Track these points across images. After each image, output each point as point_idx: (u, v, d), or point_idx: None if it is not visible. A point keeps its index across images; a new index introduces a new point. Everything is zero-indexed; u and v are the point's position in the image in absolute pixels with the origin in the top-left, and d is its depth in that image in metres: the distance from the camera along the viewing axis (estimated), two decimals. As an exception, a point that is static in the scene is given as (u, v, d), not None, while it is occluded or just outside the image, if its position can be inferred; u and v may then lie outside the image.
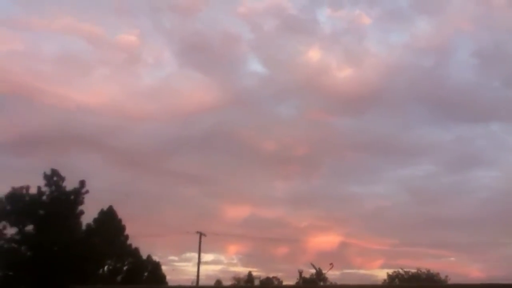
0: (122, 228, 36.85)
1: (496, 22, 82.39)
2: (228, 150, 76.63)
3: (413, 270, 46.05)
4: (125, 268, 36.64)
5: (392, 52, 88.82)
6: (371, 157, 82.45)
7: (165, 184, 73.47)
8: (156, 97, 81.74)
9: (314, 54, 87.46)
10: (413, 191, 74.52)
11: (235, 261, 65.33)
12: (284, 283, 53.63)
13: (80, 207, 34.72)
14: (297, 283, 45.35)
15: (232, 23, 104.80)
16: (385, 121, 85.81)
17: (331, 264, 43.29)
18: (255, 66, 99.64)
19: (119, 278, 35.74)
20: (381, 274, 55.22)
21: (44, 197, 33.77)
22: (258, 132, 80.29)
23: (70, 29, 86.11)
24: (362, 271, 61.40)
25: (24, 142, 68.84)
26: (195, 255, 45.10)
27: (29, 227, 32.87)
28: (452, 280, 43.33)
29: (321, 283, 44.06)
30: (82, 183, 34.63)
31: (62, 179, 34.46)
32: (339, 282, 45.48)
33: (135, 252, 37.48)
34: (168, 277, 41.67)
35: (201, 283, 43.49)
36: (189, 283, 43.56)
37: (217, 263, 64.28)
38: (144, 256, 38.64)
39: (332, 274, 46.12)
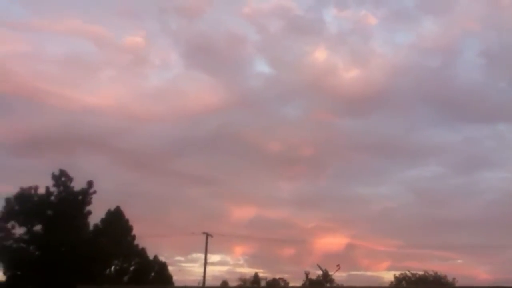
0: (129, 229, 36.96)
1: (504, 22, 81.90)
2: (234, 151, 76.73)
3: (420, 272, 45.89)
4: (132, 268, 36.75)
5: (398, 52, 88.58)
6: (377, 158, 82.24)
7: (171, 185, 73.69)
8: (163, 98, 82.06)
9: (320, 55, 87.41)
10: (420, 192, 74.20)
11: (241, 262, 65.40)
12: (291, 284, 53.58)
13: (88, 207, 34.93)
14: (303, 284, 45.27)
15: (237, 24, 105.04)
16: (391, 122, 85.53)
17: (337, 265, 43.23)
18: (261, 67, 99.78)
19: (126, 278, 35.86)
20: (388, 276, 54.84)
21: (52, 198, 34.00)
22: (264, 133, 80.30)
23: (76, 31, 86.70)
24: (368, 273, 61.19)
25: (31, 143, 69.35)
26: (202, 255, 45.14)
27: (38, 227, 33.13)
28: (459, 283, 43.01)
29: (328, 285, 43.97)
30: (90, 184, 34.82)
31: (70, 179, 34.68)
32: (345, 284, 45.45)
33: (142, 253, 37.58)
34: (174, 278, 41.80)
35: (207, 283, 43.50)
36: (195, 284, 43.63)
37: (223, 264, 64.36)
38: (151, 257, 38.74)
39: (338, 276, 46.04)
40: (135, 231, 37.39)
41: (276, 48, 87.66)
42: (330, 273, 45.25)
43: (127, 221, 36.97)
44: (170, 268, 41.72)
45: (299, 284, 47.08)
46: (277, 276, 56.68)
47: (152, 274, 38.54)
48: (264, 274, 55.56)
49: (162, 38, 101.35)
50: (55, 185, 34.21)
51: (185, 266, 58.55)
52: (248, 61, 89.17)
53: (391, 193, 77.33)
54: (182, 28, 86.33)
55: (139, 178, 72.01)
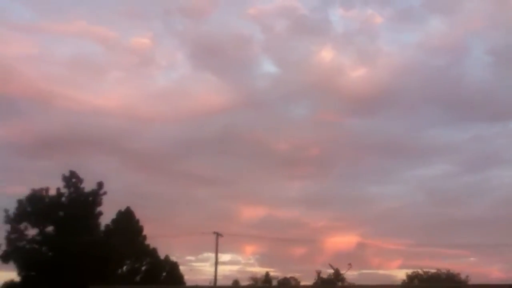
0: (140, 229, 37.04)
1: (511, 19, 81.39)
2: (241, 152, 76.74)
3: (433, 271, 45.57)
4: (143, 268, 36.84)
5: (405, 51, 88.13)
6: (386, 157, 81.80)
7: (180, 186, 73.84)
8: (169, 99, 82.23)
9: (326, 55, 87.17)
10: (429, 191, 73.77)
11: (252, 262, 65.35)
12: (302, 283, 53.38)
13: (99, 208, 35.10)
14: (315, 283, 45.10)
15: (243, 25, 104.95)
16: (399, 121, 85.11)
17: (349, 264, 42.99)
18: (267, 67, 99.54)
19: (137, 278, 35.95)
20: (400, 275, 54.50)
21: (63, 199, 34.25)
22: (271, 133, 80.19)
23: (83, 33, 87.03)
24: (380, 272, 60.85)
25: (41, 145, 69.82)
26: (212, 255, 45.07)
27: (49, 228, 33.28)
28: (472, 281, 42.60)
29: (339, 284, 43.75)
30: (100, 185, 34.98)
31: (80, 181, 34.90)
32: (357, 283, 45.18)
33: (153, 253, 37.63)
34: (185, 277, 41.79)
35: (218, 283, 43.42)
36: (206, 283, 43.56)
37: (234, 263, 64.33)
38: (162, 257, 38.79)
39: (350, 275, 45.78)
40: (145, 231, 37.53)
41: (282, 48, 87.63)
42: (341, 272, 45.05)
43: (137, 221, 37.06)
44: (181, 267, 41.78)
45: (310, 283, 46.96)
46: (288, 275, 56.64)
47: (164, 274, 38.58)
48: (274, 273, 55.49)
49: (168, 39, 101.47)
50: (66, 186, 34.48)
51: (196, 265, 58.60)
52: (254, 61, 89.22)
53: (400, 192, 77.07)
54: (188, 29, 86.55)
55: (147, 178, 72.28)
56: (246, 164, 76.67)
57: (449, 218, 64.80)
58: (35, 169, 62.21)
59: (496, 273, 57.41)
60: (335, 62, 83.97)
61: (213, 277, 43.52)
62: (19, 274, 32.67)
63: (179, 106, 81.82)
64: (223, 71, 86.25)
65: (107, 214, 35.65)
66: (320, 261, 60.29)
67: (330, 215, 74.81)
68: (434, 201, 73.26)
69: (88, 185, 34.90)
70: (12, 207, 32.76)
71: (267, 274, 54.05)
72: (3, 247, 31.91)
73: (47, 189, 34.20)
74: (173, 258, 40.49)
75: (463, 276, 44.70)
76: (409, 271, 47.18)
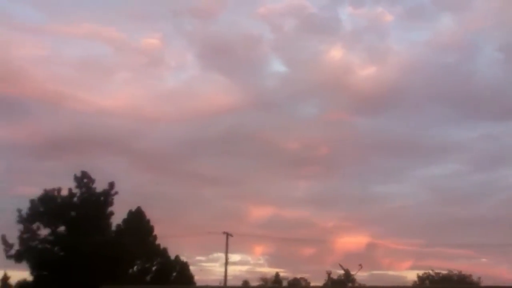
0: (151, 229, 37.18)
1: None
2: (250, 151, 76.80)
3: (444, 272, 45.31)
4: (154, 268, 37.00)
5: (415, 49, 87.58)
6: (396, 156, 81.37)
7: (190, 186, 74.15)
8: (179, 99, 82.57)
9: (335, 53, 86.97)
10: (439, 190, 73.25)
11: (261, 262, 65.41)
12: (312, 284, 53.35)
13: (110, 208, 35.23)
14: (325, 284, 45.03)
15: (252, 24, 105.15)
16: (409, 120, 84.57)
17: (360, 265, 42.72)
18: (276, 66, 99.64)
19: (148, 278, 36.12)
20: (411, 275, 54.24)
21: (75, 199, 34.41)
22: (280, 132, 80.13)
23: (92, 34, 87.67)
24: (390, 272, 60.58)
25: (51, 146, 70.53)
26: (222, 255, 45.28)
27: (61, 228, 33.52)
28: (484, 282, 42.31)
29: (350, 285, 43.60)
30: (111, 185, 35.12)
31: (92, 181, 35.03)
32: (367, 284, 45.07)
33: (163, 253, 37.80)
34: (196, 277, 41.96)
35: (228, 283, 43.57)
36: (216, 283, 43.80)
37: (244, 263, 64.45)
38: (172, 257, 38.95)
39: (360, 275, 45.65)
40: (156, 231, 37.67)
41: (291, 47, 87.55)
42: (352, 272, 44.88)
43: (148, 221, 37.20)
44: (191, 267, 41.97)
45: (320, 283, 46.88)
46: (298, 276, 56.57)
47: (174, 274, 38.73)
48: (284, 273, 55.48)
49: (177, 40, 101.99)
50: (78, 186, 34.63)
51: (206, 265, 58.87)
52: (264, 61, 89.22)
53: (410, 192, 76.61)
54: (197, 30, 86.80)
55: (157, 179, 72.65)
56: (255, 164, 76.77)
57: (459, 217, 64.36)
58: (46, 169, 62.95)
59: (509, 275, 56.89)
60: (344, 61, 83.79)
61: (223, 277, 43.74)
62: (31, 273, 32.97)
63: (188, 106, 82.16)
64: (232, 71, 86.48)
65: (118, 214, 35.89)
66: (330, 262, 60.25)
67: (339, 215, 74.67)
68: (444, 201, 72.81)
69: (99, 186, 35.11)
70: (25, 207, 33.05)
71: (277, 274, 54.13)
72: (16, 247, 32.19)
73: (59, 190, 34.37)
74: (183, 258, 40.70)
75: (475, 278, 44.42)
76: (420, 272, 47.00)
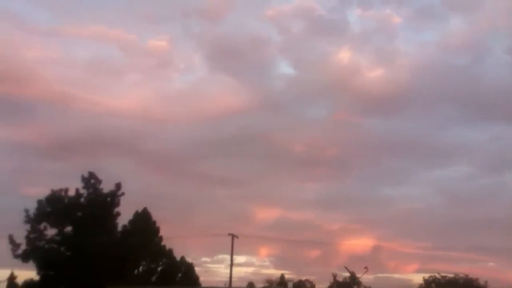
0: (157, 230, 37.34)
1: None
2: (258, 153, 76.83)
3: (450, 275, 45.01)
4: (159, 268, 37.21)
5: (424, 51, 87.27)
6: (403, 158, 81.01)
7: (196, 187, 74.27)
8: (187, 101, 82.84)
9: (344, 55, 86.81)
10: (447, 193, 72.80)
11: (267, 264, 65.39)
12: (317, 286, 53.33)
13: (116, 209, 35.38)
14: (330, 286, 44.98)
15: (260, 26, 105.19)
16: (417, 122, 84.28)
17: (365, 267, 42.60)
18: (284, 68, 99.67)
19: (153, 278, 36.31)
20: (417, 279, 53.86)
21: (82, 199, 34.58)
22: (288, 134, 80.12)
23: (101, 36, 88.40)
24: (396, 275, 60.30)
25: (60, 147, 71.04)
26: (227, 256, 45.22)
27: (68, 228, 33.72)
28: (491, 286, 42.02)
29: (355, 287, 43.49)
30: (118, 186, 35.28)
31: (99, 181, 35.19)
32: (373, 287, 44.97)
33: (169, 253, 37.98)
34: (201, 279, 42.13)
35: (233, 285, 43.51)
36: (222, 285, 43.84)
37: (249, 265, 64.44)
38: (178, 258, 39.12)
39: (365, 278, 45.47)
40: (162, 232, 37.84)
41: (299, 49, 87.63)
42: (357, 275, 44.76)
43: (154, 222, 37.37)
44: (196, 269, 42.17)
45: (325, 286, 46.89)
46: (303, 278, 56.52)
47: (179, 274, 38.93)
48: (289, 275, 55.42)
49: (185, 42, 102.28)
50: (85, 187, 34.80)
51: (211, 267, 58.92)
52: (271, 62, 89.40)
53: (417, 194, 76.18)
54: (205, 31, 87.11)
55: (164, 180, 72.99)
56: (262, 165, 76.80)
57: (467, 221, 63.86)
58: (54, 170, 63.41)
59: (515, 279, 56.37)
60: (352, 63, 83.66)
61: (228, 279, 43.70)
62: (38, 273, 33.18)
63: (196, 108, 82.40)
64: (240, 72, 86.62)
65: (124, 215, 36.06)
66: (336, 264, 59.96)
67: (346, 217, 74.42)
68: (452, 203, 72.33)
69: (106, 186, 35.25)
70: (32, 207, 33.24)
71: (282, 276, 54.09)
72: (23, 247, 32.38)
73: (66, 190, 34.55)
74: (189, 259, 40.91)
75: (482, 281, 44.10)
76: (426, 275, 46.72)
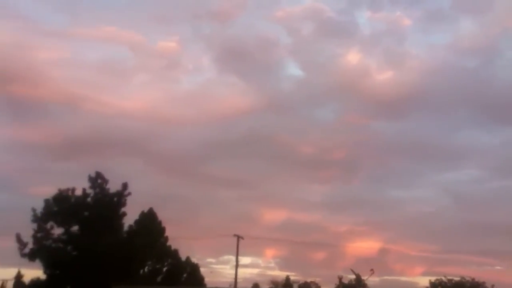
0: (162, 230, 37.46)
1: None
2: (265, 154, 76.88)
3: (457, 278, 44.73)
4: (165, 269, 37.32)
5: (434, 53, 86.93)
6: (412, 161, 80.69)
7: (203, 188, 74.50)
8: (195, 102, 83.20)
9: (353, 57, 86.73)
10: (456, 196, 72.39)
11: (272, 265, 65.38)
12: (322, 288, 53.14)
13: (123, 209, 35.50)
14: (335, 288, 44.86)
15: (269, 28, 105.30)
16: (427, 125, 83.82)
17: (371, 270, 42.47)
18: (293, 70, 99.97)
19: (159, 278, 36.42)
20: (423, 282, 53.55)
21: (89, 199, 34.73)
22: (296, 136, 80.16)
23: (111, 37, 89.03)
24: (402, 278, 60.04)
25: (68, 147, 71.57)
26: (233, 257, 45.30)
27: (75, 228, 33.92)
28: (499, 290, 41.63)
29: (361, 289, 43.33)
30: (125, 186, 35.41)
31: (105, 181, 35.33)
32: (379, 289, 44.72)
33: (174, 254, 38.09)
34: (206, 279, 42.20)
35: (238, 286, 43.59)
36: (227, 286, 43.89)
37: (254, 266, 64.54)
38: (183, 258, 39.24)
39: (371, 281, 45.28)
40: (167, 233, 37.96)
41: (308, 51, 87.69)
42: (363, 277, 44.58)
43: (160, 222, 37.49)
44: (201, 269, 42.28)
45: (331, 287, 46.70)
46: (308, 280, 56.43)
47: (184, 275, 39.03)
48: (295, 277, 55.35)
49: (194, 43, 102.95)
50: (92, 187, 34.94)
51: (216, 267, 59.03)
52: (280, 64, 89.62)
53: (426, 197, 75.83)
54: (214, 33, 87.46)
55: (171, 180, 73.31)
56: (270, 167, 76.84)
57: (476, 224, 63.39)
58: (63, 170, 63.89)
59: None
60: (361, 65, 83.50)
61: (233, 280, 43.74)
62: (44, 272, 33.36)
63: (205, 109, 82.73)
64: (248, 74, 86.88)
65: (130, 215, 36.20)
66: (342, 266, 59.93)
67: (353, 220, 74.30)
68: (461, 207, 71.90)
69: (113, 186, 35.40)
70: (39, 206, 33.43)
71: (287, 278, 54.04)
72: (30, 246, 32.55)
73: (73, 189, 34.69)
74: (194, 260, 41.02)
75: (488, 285, 43.80)
76: (433, 278, 46.47)
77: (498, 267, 60.48)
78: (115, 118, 77.57)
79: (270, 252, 63.47)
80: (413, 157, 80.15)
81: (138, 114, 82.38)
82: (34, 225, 33.04)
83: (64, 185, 34.72)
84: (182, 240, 39.67)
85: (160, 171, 76.36)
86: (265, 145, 77.46)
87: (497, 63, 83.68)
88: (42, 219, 33.25)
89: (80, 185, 34.84)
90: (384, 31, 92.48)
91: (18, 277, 44.70)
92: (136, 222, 36.36)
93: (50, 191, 34.95)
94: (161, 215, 37.78)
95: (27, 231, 32.67)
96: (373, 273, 44.12)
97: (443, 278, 45.35)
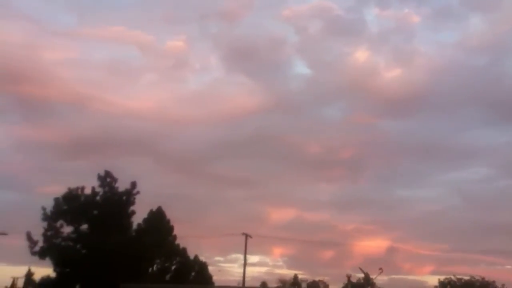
0: (171, 229, 37.61)
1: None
2: (273, 153, 76.96)
3: (466, 277, 44.43)
4: (173, 267, 37.44)
5: (442, 51, 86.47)
6: (420, 160, 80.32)
7: (211, 187, 74.81)
8: (203, 101, 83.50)
9: (361, 55, 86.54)
10: (465, 195, 72.02)
11: (280, 264, 65.49)
12: (331, 287, 53.11)
13: (131, 208, 35.67)
14: (344, 287, 44.78)
15: (277, 27, 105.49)
16: (435, 123, 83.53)
17: (380, 269, 42.37)
18: (301, 68, 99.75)
19: (167, 277, 36.54)
20: (432, 281, 53.62)
21: (98, 198, 34.92)
22: (304, 135, 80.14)
23: (121, 37, 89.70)
24: (411, 277, 59.84)
25: (78, 146, 72.17)
26: (241, 256, 45.51)
27: (84, 226, 34.15)
28: (509, 289, 41.28)
29: (369, 288, 43.24)
30: (133, 185, 35.57)
31: (114, 180, 35.50)
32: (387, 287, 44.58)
33: (183, 252, 38.21)
34: (214, 278, 42.34)
35: (246, 284, 43.66)
36: (235, 284, 44.06)
37: (262, 265, 64.64)
38: (192, 256, 39.34)
39: (380, 279, 45.22)
40: (176, 231, 38.12)
41: (316, 49, 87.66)
42: (372, 276, 44.48)
43: (168, 221, 37.63)
44: (210, 268, 42.41)
45: (338, 286, 46.72)
46: (316, 278, 56.39)
47: (193, 273, 39.15)
48: (303, 276, 55.35)
49: (202, 42, 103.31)
50: (101, 185, 35.11)
51: (224, 266, 59.29)
52: (288, 63, 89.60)
53: (434, 196, 75.58)
54: (222, 32, 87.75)
55: (179, 179, 73.65)
56: (278, 166, 76.93)
57: (484, 223, 63.01)
58: (73, 169, 64.55)
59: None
60: (369, 63, 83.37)
61: (241, 278, 43.88)
62: (54, 270, 33.64)
63: (212, 108, 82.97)
64: (256, 73, 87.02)
65: (139, 214, 36.38)
66: (350, 265, 59.94)
67: (361, 219, 74.18)
68: (469, 206, 71.50)
69: (122, 185, 35.58)
70: (49, 205, 33.68)
71: (295, 276, 54.05)
72: (40, 244, 32.82)
73: (82, 188, 34.90)
74: (202, 258, 41.17)
75: (499, 284, 43.48)
76: (442, 277, 46.27)
77: (509, 266, 60.02)
78: (123, 118, 78.26)
79: (278, 251, 63.61)
80: (420, 156, 79.92)
81: (146, 114, 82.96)
82: (44, 224, 33.32)
83: (73, 184, 35.08)
84: (190, 238, 39.88)
85: (168, 170, 76.85)
86: (273, 145, 77.63)
87: (506, 61, 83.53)
88: (52, 217, 33.49)
89: (89, 184, 35.14)
90: (392, 28, 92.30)
91: (29, 275, 45.17)
92: (145, 220, 36.52)
93: (59, 190, 35.34)
94: (170, 214, 38.03)
95: (38, 230, 33.05)
96: (381, 272, 44.01)
97: (452, 277, 45.13)
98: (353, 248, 62.43)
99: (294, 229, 65.80)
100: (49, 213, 33.49)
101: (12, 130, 77.95)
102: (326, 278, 57.01)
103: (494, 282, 43.58)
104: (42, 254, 32.67)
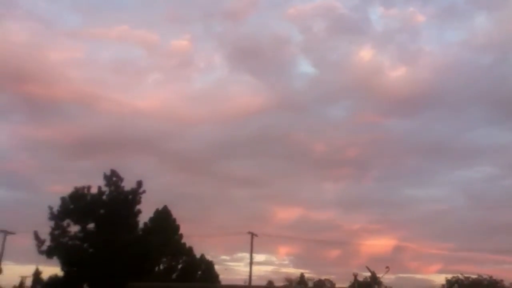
0: (177, 228, 37.76)
1: None
2: (279, 153, 77.00)
3: (474, 276, 44.20)
4: (179, 266, 37.56)
5: (448, 50, 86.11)
6: (426, 159, 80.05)
7: (217, 186, 74.95)
8: (208, 100, 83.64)
9: (365, 54, 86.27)
10: (471, 194, 71.70)
11: (286, 262, 65.48)
12: (337, 285, 53.01)
13: (138, 207, 35.75)
14: (351, 286, 44.66)
15: (281, 26, 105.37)
16: (441, 122, 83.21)
17: (387, 267, 42.20)
18: (305, 67, 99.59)
19: (174, 275, 36.65)
20: (439, 279, 53.38)
21: (104, 197, 35.02)
22: (309, 134, 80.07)
23: (126, 37, 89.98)
24: (418, 276, 59.63)
25: (84, 145, 72.46)
26: (247, 255, 45.57)
27: (91, 225, 34.27)
28: (517, 288, 40.98)
29: (376, 287, 43.06)
30: (139, 183, 35.66)
31: (120, 179, 35.60)
32: (394, 287, 44.43)
33: (189, 251, 38.33)
34: (221, 276, 42.39)
35: (253, 283, 43.77)
36: (241, 283, 44.08)
37: (268, 263, 64.65)
38: (198, 255, 39.42)
39: (386, 278, 45.08)
40: (182, 230, 38.27)
41: (321, 48, 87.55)
42: (378, 275, 44.33)
43: (174, 220, 37.78)
44: (216, 267, 42.49)
45: (345, 285, 46.64)
46: (323, 277, 56.32)
47: (199, 272, 39.24)
48: (309, 274, 55.32)
49: (206, 41, 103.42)
50: (107, 185, 35.20)
51: (230, 265, 59.36)
52: (292, 62, 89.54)
53: (441, 195, 75.30)
54: (226, 31, 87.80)
55: (185, 179, 73.84)
56: (283, 165, 76.93)
57: (491, 222, 62.75)
58: (79, 168, 64.96)
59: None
60: (374, 62, 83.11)
61: (247, 277, 43.93)
62: (62, 269, 33.84)
63: (217, 107, 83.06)
64: (260, 72, 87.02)
65: (145, 213, 36.50)
66: (356, 264, 59.81)
67: (367, 218, 74.06)
68: (476, 205, 71.15)
69: (128, 184, 35.67)
70: (56, 204, 33.86)
71: (302, 275, 54.01)
72: (48, 243, 33.00)
73: (89, 187, 35.01)
74: (209, 257, 41.27)
75: (507, 283, 43.20)
76: (449, 276, 46.06)
77: (516, 265, 59.60)
78: (129, 117, 78.57)
79: (284, 250, 63.62)
80: (426, 155, 79.66)
81: (152, 113, 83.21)
82: (51, 223, 33.45)
83: (79, 183, 35.20)
84: (196, 237, 40.08)
85: (174, 169, 77.05)
86: (278, 144, 77.64)
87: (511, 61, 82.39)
88: (58, 216, 33.63)
89: (95, 183, 35.25)
90: (397, 27, 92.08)
91: (37, 274, 45.39)
92: (151, 219, 36.66)
93: (66, 189, 35.55)
94: (176, 213, 38.18)
95: (45, 229, 33.21)
96: (388, 270, 43.86)
97: (460, 276, 44.87)
98: (359, 247, 62.39)
99: (300, 228, 65.92)
100: (56, 212, 33.62)
101: (18, 130, 78.46)
102: (332, 277, 57.07)
103: (502, 280, 43.40)
104: (49, 253, 32.81)
